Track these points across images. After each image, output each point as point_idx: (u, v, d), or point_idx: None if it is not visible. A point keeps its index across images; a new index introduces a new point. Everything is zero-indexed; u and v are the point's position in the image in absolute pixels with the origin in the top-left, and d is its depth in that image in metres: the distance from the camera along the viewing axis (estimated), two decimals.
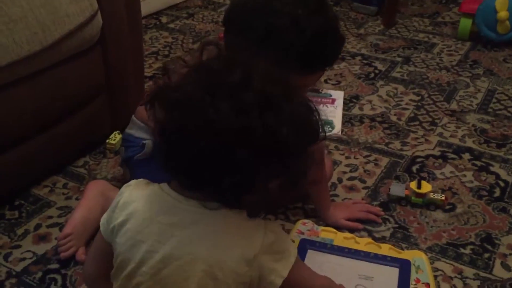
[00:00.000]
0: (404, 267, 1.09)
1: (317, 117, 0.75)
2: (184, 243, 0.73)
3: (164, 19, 2.46)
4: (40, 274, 1.12)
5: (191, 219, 0.74)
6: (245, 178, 0.69)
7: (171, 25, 2.40)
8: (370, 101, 1.77)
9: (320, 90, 1.81)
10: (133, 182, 0.82)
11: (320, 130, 0.76)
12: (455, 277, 1.11)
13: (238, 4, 0.99)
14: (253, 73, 0.68)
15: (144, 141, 1.20)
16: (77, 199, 1.32)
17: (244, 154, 0.66)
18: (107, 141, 1.49)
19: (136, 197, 0.78)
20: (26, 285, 1.09)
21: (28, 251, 1.18)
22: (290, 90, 0.72)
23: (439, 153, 1.50)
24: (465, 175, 1.41)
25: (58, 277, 1.11)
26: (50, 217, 1.28)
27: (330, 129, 1.60)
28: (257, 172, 0.69)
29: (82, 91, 1.38)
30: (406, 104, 1.75)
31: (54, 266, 1.14)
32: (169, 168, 0.73)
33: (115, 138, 1.47)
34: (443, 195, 1.29)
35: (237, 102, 0.66)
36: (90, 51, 1.37)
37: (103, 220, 0.82)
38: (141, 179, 0.82)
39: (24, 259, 1.16)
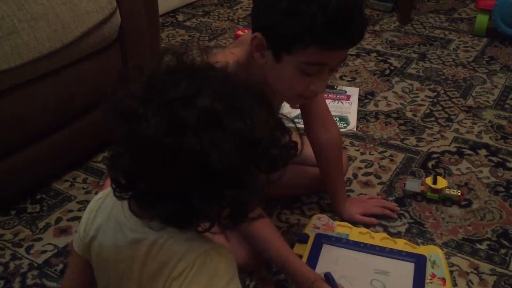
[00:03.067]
0: (420, 262, 1.09)
1: (284, 143, 0.65)
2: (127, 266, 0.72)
3: (180, 17, 2.48)
4: (61, 266, 1.15)
5: (131, 239, 0.71)
6: (181, 201, 0.63)
7: (188, 23, 2.42)
8: (385, 97, 1.77)
9: (335, 87, 1.82)
10: (105, 192, 0.79)
11: (283, 160, 0.65)
12: (471, 272, 1.11)
13: None
14: (204, 89, 0.61)
15: None
16: (96, 193, 1.34)
17: (176, 174, 0.60)
18: None
19: (104, 210, 0.77)
20: (48, 276, 1.12)
21: (49, 243, 1.21)
22: (254, 112, 0.62)
23: (455, 149, 1.50)
24: (481, 171, 1.41)
25: None
26: (71, 210, 1.30)
27: (345, 125, 1.61)
28: (191, 197, 0.62)
29: (101, 87, 1.40)
30: (422, 100, 1.75)
31: None
32: (112, 176, 0.69)
33: None
34: (459, 191, 1.29)
35: (172, 118, 0.60)
36: (109, 48, 1.39)
37: (77, 237, 0.80)
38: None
39: (45, 251, 1.19)
